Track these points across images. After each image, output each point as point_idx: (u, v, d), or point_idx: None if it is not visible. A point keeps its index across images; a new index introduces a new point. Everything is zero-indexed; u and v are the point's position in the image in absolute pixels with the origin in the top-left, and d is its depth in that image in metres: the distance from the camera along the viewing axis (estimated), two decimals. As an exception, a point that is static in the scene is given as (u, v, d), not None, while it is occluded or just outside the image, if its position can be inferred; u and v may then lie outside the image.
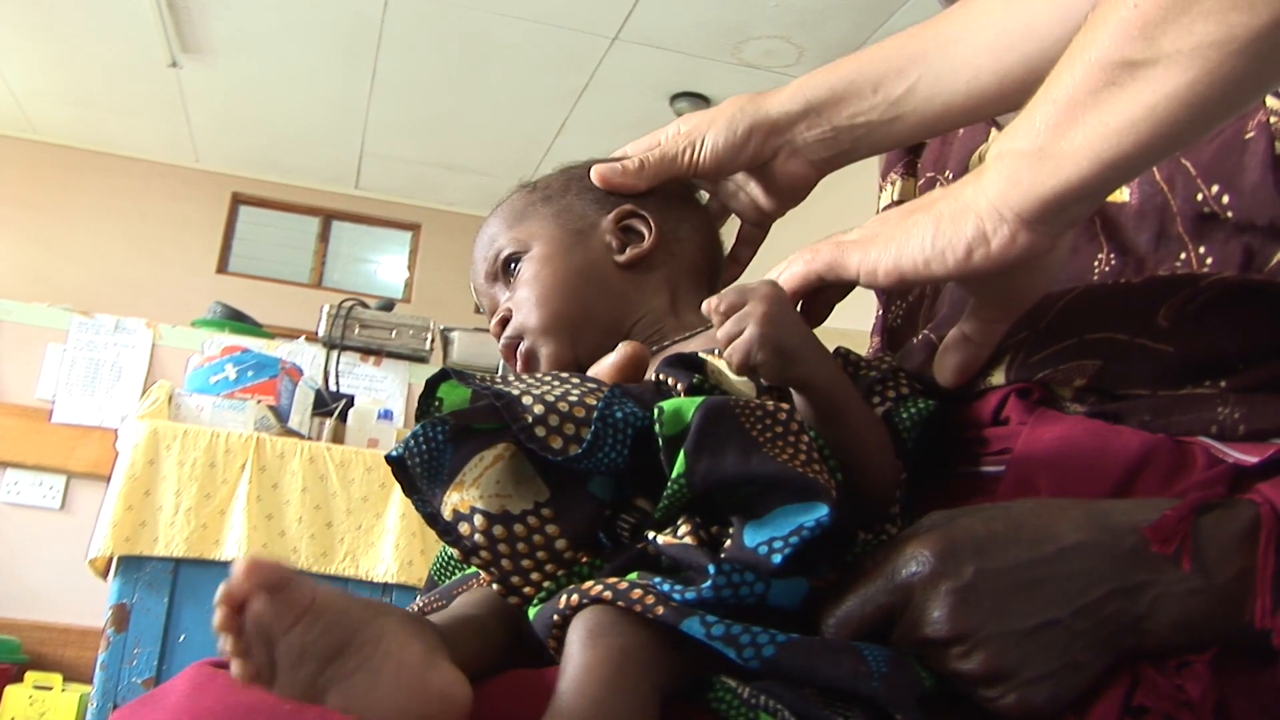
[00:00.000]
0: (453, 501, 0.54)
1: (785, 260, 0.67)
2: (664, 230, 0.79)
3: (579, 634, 0.49)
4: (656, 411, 0.54)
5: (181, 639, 2.19)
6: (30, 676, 2.72)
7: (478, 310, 0.86)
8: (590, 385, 0.57)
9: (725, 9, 4.03)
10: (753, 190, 0.82)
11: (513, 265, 0.79)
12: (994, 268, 0.58)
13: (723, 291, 0.58)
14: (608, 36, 4.29)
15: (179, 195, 6.16)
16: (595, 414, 0.54)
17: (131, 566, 2.20)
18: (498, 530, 0.53)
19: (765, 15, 4.04)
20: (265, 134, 5.72)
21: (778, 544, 0.50)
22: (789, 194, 0.81)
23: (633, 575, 0.52)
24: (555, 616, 0.51)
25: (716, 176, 0.82)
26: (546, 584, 0.54)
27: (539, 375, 0.59)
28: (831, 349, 0.64)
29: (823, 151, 0.78)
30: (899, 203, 0.91)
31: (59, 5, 4.43)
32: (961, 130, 0.87)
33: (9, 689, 2.67)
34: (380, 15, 4.32)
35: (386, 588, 2.31)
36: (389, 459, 0.56)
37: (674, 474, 0.52)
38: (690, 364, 0.61)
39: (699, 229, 0.83)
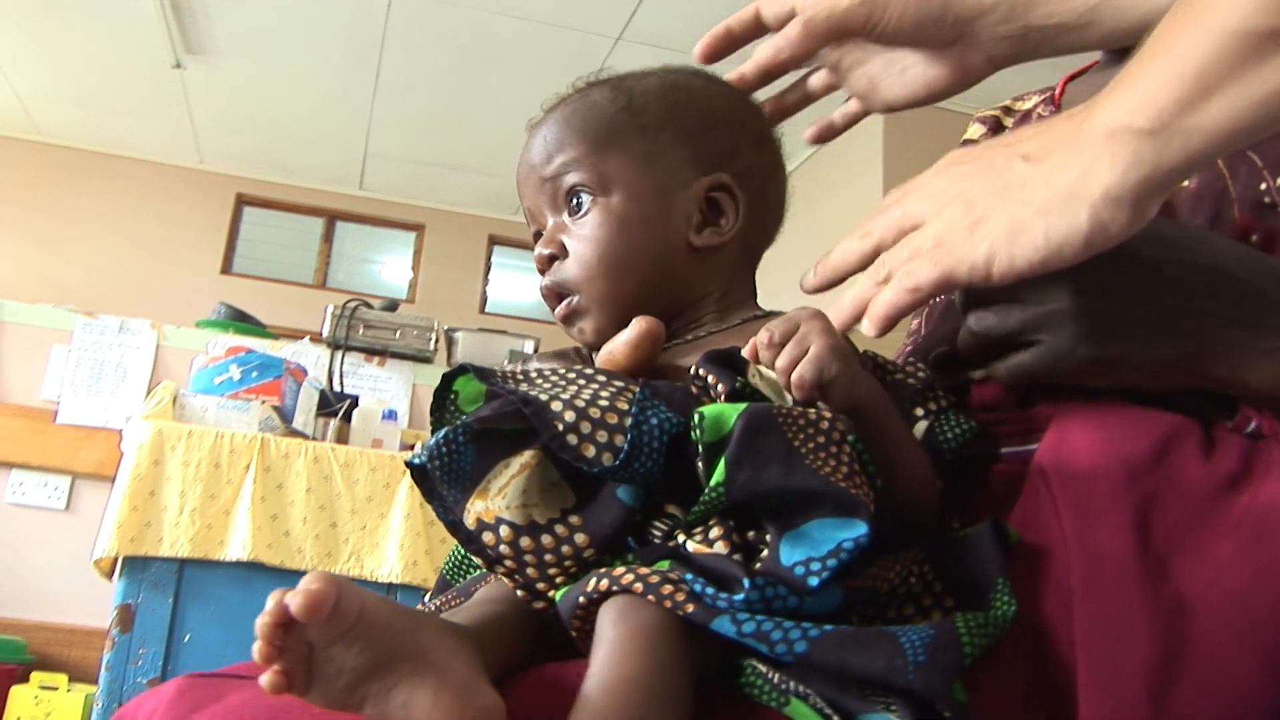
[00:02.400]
0: (476, 510, 0.52)
1: (856, 289, 0.60)
2: (748, 216, 0.72)
3: (609, 616, 0.48)
4: (697, 418, 0.52)
5: (186, 639, 2.19)
6: (36, 677, 2.72)
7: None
8: (617, 385, 0.56)
9: (729, 9, 4.01)
10: (908, 73, 0.77)
11: (580, 197, 0.70)
12: (1105, 250, 0.54)
13: (767, 325, 0.56)
14: (611, 36, 4.29)
15: (183, 196, 6.17)
16: (630, 420, 0.52)
17: (136, 567, 2.20)
18: (524, 541, 0.51)
19: (769, 15, 4.03)
20: (269, 134, 5.72)
21: (815, 565, 0.48)
22: (947, 86, 0.77)
23: (663, 564, 0.50)
24: (581, 599, 0.49)
25: (891, 44, 0.76)
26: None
27: (560, 372, 0.57)
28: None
29: (1005, 49, 0.74)
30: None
31: (62, 6, 4.43)
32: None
33: (14, 689, 2.67)
34: (384, 15, 4.32)
35: (391, 588, 2.31)
36: (410, 465, 0.54)
37: (713, 482, 0.50)
38: (732, 363, 0.59)
39: (776, 206, 0.77)
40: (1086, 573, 0.54)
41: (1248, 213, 0.66)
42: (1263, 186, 0.66)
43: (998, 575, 0.55)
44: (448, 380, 0.58)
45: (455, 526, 0.54)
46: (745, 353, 0.57)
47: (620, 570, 0.49)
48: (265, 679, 0.46)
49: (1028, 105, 0.93)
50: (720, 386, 0.57)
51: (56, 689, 2.68)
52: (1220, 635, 0.52)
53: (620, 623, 0.48)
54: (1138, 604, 0.52)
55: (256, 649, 0.44)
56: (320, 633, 0.44)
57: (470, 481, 0.53)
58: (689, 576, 0.49)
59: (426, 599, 0.71)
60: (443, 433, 0.53)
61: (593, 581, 0.49)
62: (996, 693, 0.52)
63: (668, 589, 0.48)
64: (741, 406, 0.52)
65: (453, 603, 0.64)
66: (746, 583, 0.48)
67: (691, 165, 0.71)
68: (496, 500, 0.52)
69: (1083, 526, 0.56)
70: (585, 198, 0.70)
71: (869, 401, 0.56)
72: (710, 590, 0.48)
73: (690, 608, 0.47)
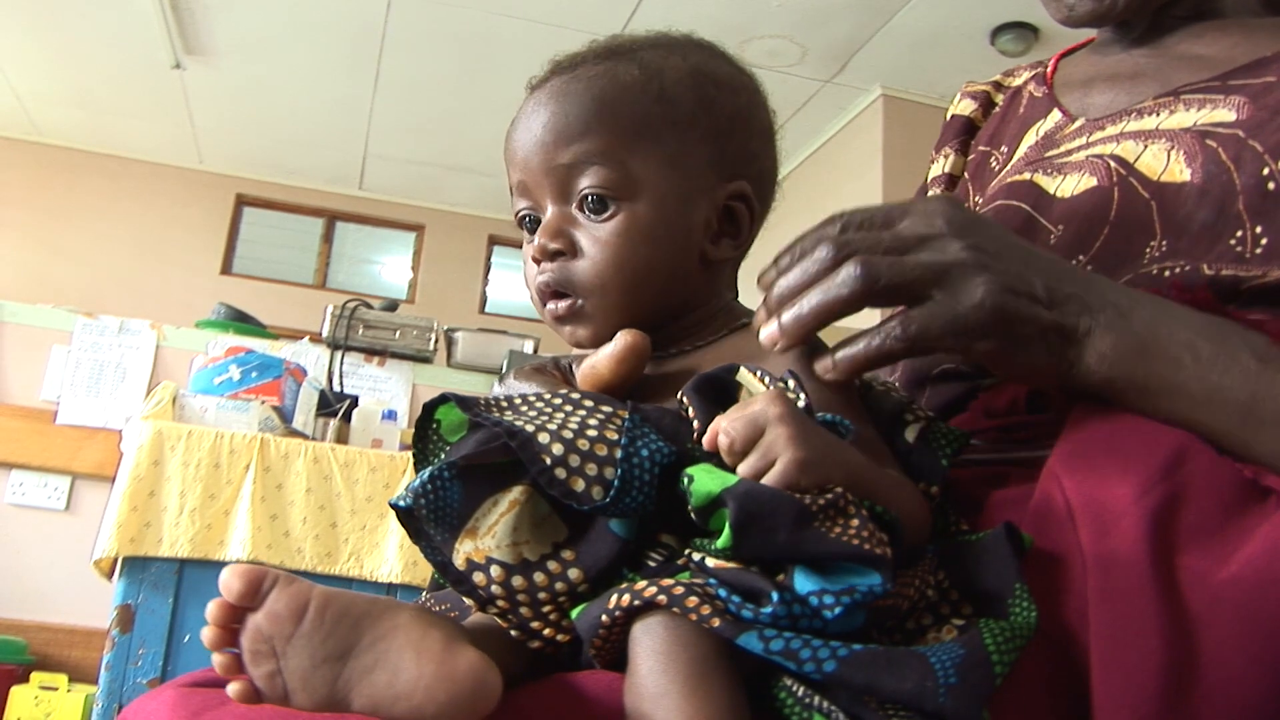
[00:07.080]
0: (465, 550, 0.50)
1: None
2: (756, 226, 0.69)
3: (639, 632, 0.46)
4: (685, 480, 0.50)
5: (186, 639, 2.19)
6: (36, 677, 2.72)
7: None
8: (604, 411, 0.53)
9: (728, 9, 4.03)
10: None
11: (601, 197, 0.64)
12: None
13: (727, 423, 0.51)
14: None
15: (183, 197, 6.18)
16: (620, 453, 0.50)
17: (136, 567, 2.20)
18: (517, 580, 0.49)
19: (768, 15, 4.03)
20: (269, 135, 5.73)
21: (829, 599, 0.47)
22: None
23: (684, 575, 0.49)
24: (604, 617, 0.47)
25: None
26: (565, 623, 0.50)
27: (545, 397, 0.54)
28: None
29: None
30: (950, 175, 0.92)
31: (63, 8, 4.43)
32: (1022, 109, 0.87)
33: (15, 690, 2.67)
34: (383, 16, 4.32)
35: (391, 588, 2.31)
36: (395, 507, 0.52)
37: (719, 545, 0.48)
38: (720, 388, 0.55)
39: (769, 208, 0.74)
40: (1100, 579, 0.53)
41: (1249, 203, 0.66)
42: (1265, 171, 0.66)
43: (1015, 580, 0.54)
44: (429, 410, 0.55)
45: (444, 568, 0.51)
46: (705, 443, 0.53)
47: (642, 584, 0.47)
48: (232, 688, 0.45)
49: (1019, 81, 0.93)
50: (695, 424, 0.54)
51: (56, 689, 2.68)
52: (1230, 645, 0.51)
53: (652, 638, 0.46)
54: (1151, 610, 0.51)
55: (215, 658, 0.43)
56: (273, 621, 0.43)
57: (458, 521, 0.51)
58: (713, 582, 0.47)
59: (423, 597, 0.71)
60: (428, 472, 0.51)
61: (614, 598, 0.47)
62: (1017, 705, 0.51)
63: (693, 601, 0.46)
64: (732, 481, 0.49)
65: (449, 613, 0.62)
66: (775, 595, 0.46)
67: (714, 169, 0.67)
68: (486, 540, 0.50)
69: (1098, 531, 0.55)
70: (608, 199, 0.64)
71: (849, 485, 0.51)
72: (737, 599, 0.46)
73: (716, 622, 0.45)
